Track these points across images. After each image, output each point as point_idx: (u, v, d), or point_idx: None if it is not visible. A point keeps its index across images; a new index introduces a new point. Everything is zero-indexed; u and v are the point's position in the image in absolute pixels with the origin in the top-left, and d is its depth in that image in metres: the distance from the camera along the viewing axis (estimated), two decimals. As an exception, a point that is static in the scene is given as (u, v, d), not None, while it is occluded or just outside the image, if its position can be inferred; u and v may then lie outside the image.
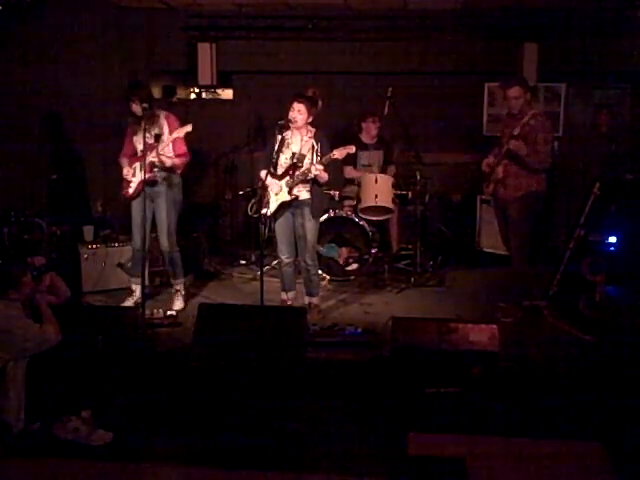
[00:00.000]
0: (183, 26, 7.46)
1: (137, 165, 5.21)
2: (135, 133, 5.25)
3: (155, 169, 5.16)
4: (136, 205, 5.28)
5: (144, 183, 5.11)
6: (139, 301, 5.24)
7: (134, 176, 5.23)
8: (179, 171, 5.31)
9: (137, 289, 5.46)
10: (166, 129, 5.21)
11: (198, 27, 7.43)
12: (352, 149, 4.88)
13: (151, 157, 5.07)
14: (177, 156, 5.22)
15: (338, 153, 4.81)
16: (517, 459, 3.49)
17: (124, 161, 5.32)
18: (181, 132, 5.10)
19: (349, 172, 6.51)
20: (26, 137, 6.32)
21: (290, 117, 4.89)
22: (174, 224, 5.37)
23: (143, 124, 5.08)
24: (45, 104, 6.54)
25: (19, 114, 6.20)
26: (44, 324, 3.78)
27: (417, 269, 6.25)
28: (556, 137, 6.91)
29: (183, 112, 7.63)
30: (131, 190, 5.25)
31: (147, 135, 5.05)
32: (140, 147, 5.20)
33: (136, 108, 5.12)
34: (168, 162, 5.16)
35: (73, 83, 6.79)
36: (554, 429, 3.77)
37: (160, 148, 5.09)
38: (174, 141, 5.17)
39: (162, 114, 5.26)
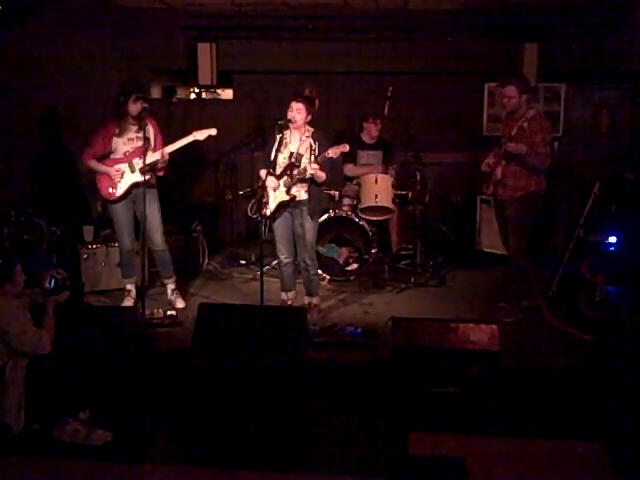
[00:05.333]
0: (183, 26, 7.46)
1: (124, 166, 5.16)
2: (120, 134, 5.16)
3: (158, 168, 5.16)
4: (121, 206, 5.24)
5: (134, 185, 5.12)
6: (138, 300, 5.24)
7: (122, 177, 5.18)
8: (161, 173, 5.31)
9: (132, 288, 5.48)
10: (152, 133, 5.21)
11: (198, 27, 7.43)
12: (346, 148, 4.87)
13: (150, 159, 5.05)
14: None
15: (332, 152, 4.81)
16: (517, 459, 3.49)
17: (93, 162, 5.18)
18: (202, 135, 5.09)
19: (350, 169, 6.50)
20: (26, 137, 6.31)
21: (289, 117, 4.90)
22: (162, 222, 5.38)
23: (131, 125, 5.11)
24: (45, 104, 6.54)
25: (19, 114, 6.19)
26: (43, 329, 3.76)
27: (417, 269, 6.25)
28: (556, 137, 6.93)
29: (183, 112, 7.70)
30: (120, 192, 5.19)
31: (134, 137, 5.08)
32: (125, 149, 5.16)
33: (134, 108, 5.07)
34: (164, 163, 5.17)
35: (73, 83, 6.78)
36: (554, 429, 3.77)
37: (166, 150, 5.10)
38: (159, 142, 5.19)
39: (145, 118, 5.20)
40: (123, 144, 5.17)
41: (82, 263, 5.85)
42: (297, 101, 4.95)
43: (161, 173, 5.30)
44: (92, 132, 5.30)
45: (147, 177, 5.07)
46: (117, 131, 5.16)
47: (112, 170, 5.17)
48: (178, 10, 7.36)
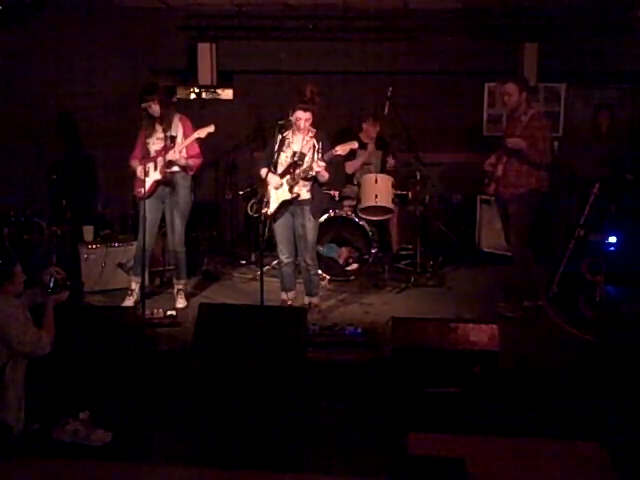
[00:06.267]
0: (183, 26, 7.46)
1: (150, 165, 5.26)
2: (149, 135, 5.29)
3: (174, 168, 5.24)
4: (147, 204, 5.26)
5: (158, 183, 5.23)
6: (139, 300, 5.25)
7: (147, 176, 5.25)
8: (192, 172, 5.39)
9: (136, 288, 5.48)
10: (180, 132, 5.30)
11: (198, 27, 7.44)
12: (355, 145, 4.89)
13: (169, 157, 5.16)
14: (190, 157, 5.30)
15: (341, 149, 4.82)
16: (517, 459, 3.49)
17: (135, 162, 5.36)
18: (203, 133, 5.15)
19: (350, 166, 6.49)
20: (26, 137, 6.31)
21: (297, 125, 4.91)
22: (184, 224, 5.45)
23: (158, 125, 5.21)
24: (44, 104, 6.54)
25: (18, 114, 6.20)
26: (42, 330, 3.75)
27: (417, 269, 6.24)
28: (556, 137, 6.93)
29: (183, 112, 7.68)
30: (144, 190, 5.27)
31: (162, 136, 5.18)
32: (154, 148, 5.28)
33: (155, 109, 5.19)
34: (183, 161, 5.25)
35: (73, 83, 6.79)
36: (554, 429, 3.77)
37: (177, 149, 5.18)
38: (189, 143, 5.25)
39: (176, 116, 5.35)
40: (153, 144, 5.30)
41: (82, 263, 5.85)
42: (305, 111, 4.95)
43: (192, 172, 5.38)
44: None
45: (163, 175, 5.20)
46: (147, 132, 5.30)
47: (140, 169, 5.28)
48: (178, 10, 7.36)
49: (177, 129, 5.30)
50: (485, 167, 5.32)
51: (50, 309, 3.87)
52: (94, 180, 6.08)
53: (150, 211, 5.24)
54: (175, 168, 5.27)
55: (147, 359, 4.43)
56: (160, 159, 5.22)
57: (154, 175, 5.26)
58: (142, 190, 5.28)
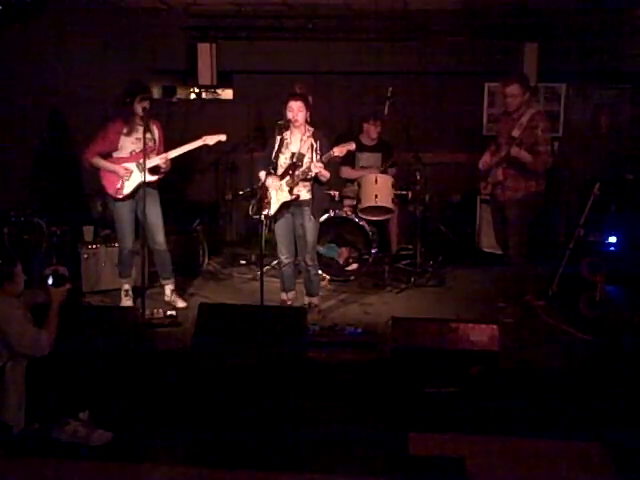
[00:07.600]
0: (183, 26, 7.47)
1: (132, 166, 5.18)
2: (128, 133, 5.16)
3: (162, 171, 5.23)
4: (126, 206, 5.26)
5: (140, 186, 5.13)
6: (134, 289, 5.25)
7: (131, 177, 5.19)
8: (162, 175, 5.35)
9: (130, 288, 5.49)
10: (157, 135, 5.26)
11: (198, 27, 7.45)
12: (352, 146, 4.88)
13: (156, 160, 5.13)
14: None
15: (338, 150, 4.82)
16: (517, 459, 3.49)
17: (97, 160, 5.18)
18: (212, 140, 5.14)
19: (345, 172, 6.50)
20: (26, 137, 6.31)
21: (290, 117, 4.90)
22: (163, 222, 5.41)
23: (139, 126, 5.12)
24: (45, 104, 6.54)
25: (19, 114, 6.19)
26: (43, 330, 3.73)
27: (417, 269, 6.24)
28: (556, 137, 6.93)
29: (183, 112, 7.70)
30: (127, 190, 5.21)
31: (141, 137, 5.05)
32: (132, 148, 5.18)
33: (140, 108, 5.07)
34: (168, 167, 5.23)
35: (73, 83, 6.78)
36: (554, 429, 3.77)
37: (169, 154, 5.17)
38: (162, 145, 5.24)
39: (150, 119, 5.23)
40: (131, 143, 5.19)
41: (82, 263, 5.84)
42: (295, 99, 4.94)
43: (162, 176, 5.33)
44: (96, 130, 5.29)
45: (155, 177, 5.17)
46: (125, 130, 5.17)
47: (121, 169, 5.18)
48: (178, 10, 7.37)
49: (154, 132, 5.23)
50: (480, 166, 5.30)
51: (56, 307, 3.83)
52: (94, 180, 6.01)
53: (129, 212, 5.25)
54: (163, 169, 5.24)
55: (147, 359, 4.43)
56: (149, 161, 5.03)
57: (139, 177, 5.13)
58: (122, 190, 5.20)
